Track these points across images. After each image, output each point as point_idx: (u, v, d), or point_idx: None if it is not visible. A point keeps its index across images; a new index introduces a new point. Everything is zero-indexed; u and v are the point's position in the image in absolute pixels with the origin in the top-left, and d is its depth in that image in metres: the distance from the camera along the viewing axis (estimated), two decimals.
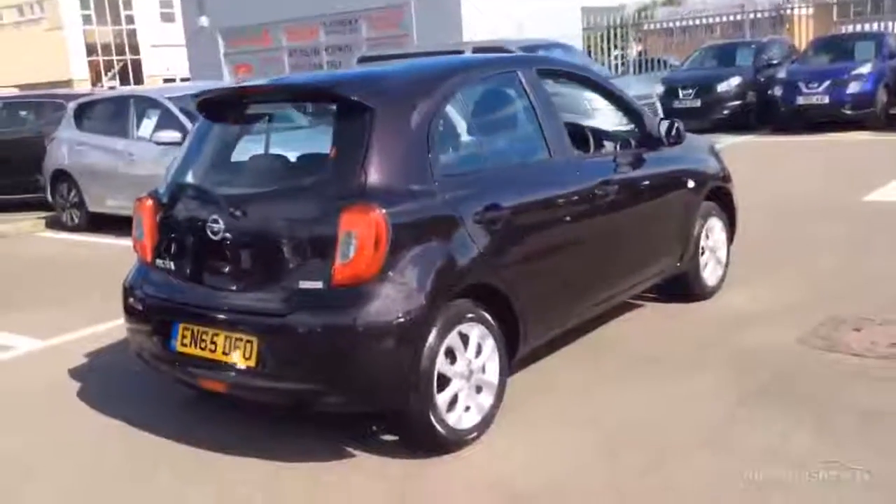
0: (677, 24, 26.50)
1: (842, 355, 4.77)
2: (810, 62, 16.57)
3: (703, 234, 5.80)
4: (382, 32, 18.55)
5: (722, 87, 16.64)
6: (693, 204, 5.67)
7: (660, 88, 17.01)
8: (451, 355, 3.89)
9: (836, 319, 5.30)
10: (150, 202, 4.40)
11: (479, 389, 4.06)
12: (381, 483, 3.77)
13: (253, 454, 4.06)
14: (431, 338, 3.74)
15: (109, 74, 49.74)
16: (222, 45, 21.86)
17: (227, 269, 4.00)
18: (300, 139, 4.35)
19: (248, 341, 3.80)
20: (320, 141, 4.04)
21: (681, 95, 16.75)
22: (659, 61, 22.45)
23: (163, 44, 47.85)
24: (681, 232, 5.59)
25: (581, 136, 5.37)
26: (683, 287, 5.85)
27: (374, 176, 3.75)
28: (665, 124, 5.37)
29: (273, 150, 4.32)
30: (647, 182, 5.25)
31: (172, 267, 4.23)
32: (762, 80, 16.62)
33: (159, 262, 4.30)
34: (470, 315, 3.95)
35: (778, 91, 15.66)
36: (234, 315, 3.88)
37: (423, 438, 3.88)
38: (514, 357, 4.28)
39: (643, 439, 3.99)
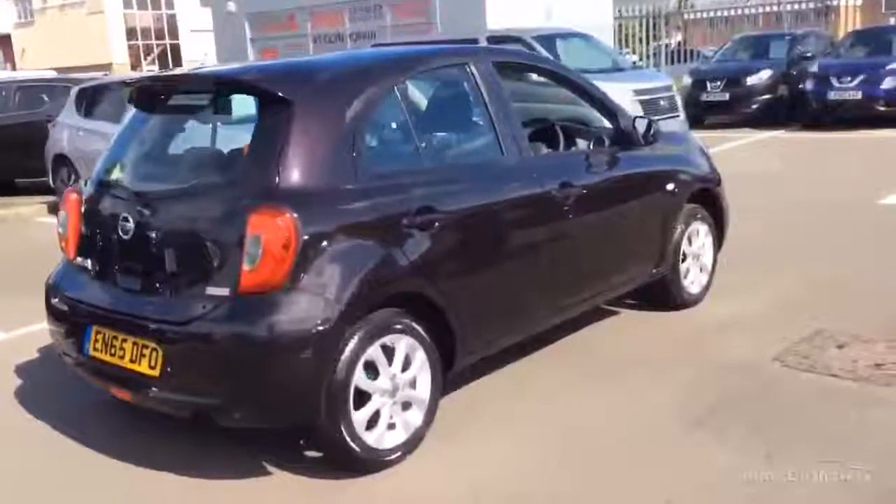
0: (719, 13, 25.78)
1: (816, 375, 4.41)
2: (845, 55, 15.94)
3: (684, 240, 5.44)
4: (407, 20, 18.26)
5: (752, 80, 16.07)
6: (672, 207, 5.32)
7: (687, 80, 16.56)
8: (373, 369, 3.61)
9: (822, 335, 4.93)
10: (74, 196, 4.18)
11: (406, 406, 3.78)
12: (304, 499, 3.55)
13: (178, 468, 3.83)
14: (348, 351, 3.47)
15: (149, 59, 50.05)
16: (249, 31, 21.72)
17: (137, 271, 3.76)
18: (226, 134, 4.08)
19: (154, 349, 3.56)
20: (243, 137, 3.77)
21: (709, 88, 16.24)
22: (695, 52, 21.88)
23: (202, 29, 48.00)
24: (656, 237, 5.24)
25: (550, 134, 5.05)
26: (663, 294, 5.51)
27: (288, 175, 3.47)
28: (642, 123, 5.02)
29: (196, 145, 4.06)
30: (616, 184, 4.90)
31: (89, 266, 4.00)
32: (795, 73, 16.00)
33: (79, 259, 4.08)
34: (397, 326, 3.66)
35: (809, 85, 15.06)
36: (141, 321, 3.64)
37: (339, 457, 3.61)
38: (450, 371, 3.99)
39: (589, 453, 3.74)
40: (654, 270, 5.28)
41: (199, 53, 47.04)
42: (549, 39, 12.39)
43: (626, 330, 5.32)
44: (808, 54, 16.43)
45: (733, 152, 13.24)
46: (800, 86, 15.52)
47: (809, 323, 5.10)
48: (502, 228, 4.16)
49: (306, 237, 3.38)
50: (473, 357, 4.12)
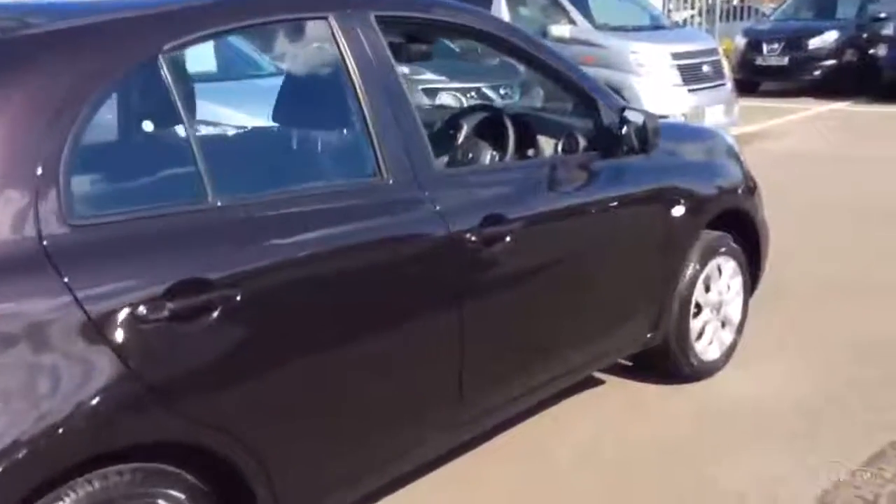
0: None
1: None
2: None
3: (698, 285, 3.73)
4: None
5: (815, 43, 14.07)
6: (681, 240, 3.61)
7: (740, 41, 14.57)
8: None
9: None
10: None
11: None
12: None
13: None
14: None
15: None
16: None
17: None
18: None
19: None
20: None
21: (765, 51, 14.24)
22: (752, 10, 19.68)
23: None
24: (652, 287, 3.54)
25: (490, 133, 3.35)
26: (662, 362, 3.81)
27: None
28: (634, 118, 3.26)
29: None
30: (585, 213, 3.19)
31: None
32: (865, 36, 14.00)
33: None
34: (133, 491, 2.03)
35: (882, 51, 13.23)
36: None
37: None
38: None
39: None
40: (648, 335, 3.58)
41: None
42: None
43: (600, 414, 3.64)
44: (882, 15, 14.27)
45: (789, 127, 11.39)
46: (870, 51, 13.65)
47: (882, 430, 3.39)
48: (361, 310, 2.45)
49: None
50: None
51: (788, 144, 10.12)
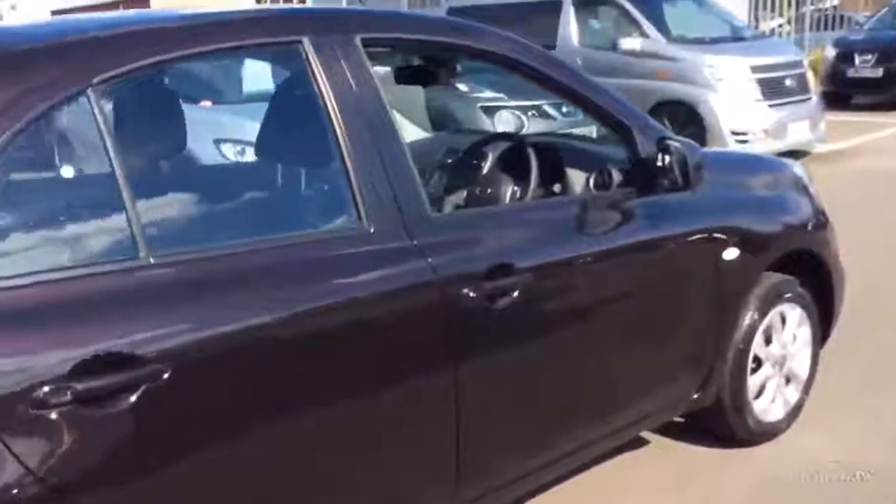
0: None
1: None
2: None
3: (757, 337, 3.26)
4: None
5: None
6: (736, 287, 3.14)
7: (831, 52, 13.77)
8: None
9: None
10: None
11: None
12: None
13: None
14: None
15: None
16: None
17: None
18: None
19: None
20: None
21: (857, 62, 13.38)
22: (845, 18, 18.73)
23: None
24: (702, 340, 3.08)
25: (517, 165, 2.96)
26: (718, 421, 3.35)
27: None
28: (677, 150, 2.81)
29: None
30: (615, 260, 2.75)
31: None
32: None
33: None
34: None
35: None
36: None
37: None
38: None
39: None
40: (695, 396, 3.13)
41: None
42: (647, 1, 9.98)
43: (640, 483, 3.19)
44: None
45: (883, 143, 10.61)
46: None
47: None
48: (328, 388, 2.06)
49: None
50: None
51: (882, 163, 9.39)
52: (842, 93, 13.10)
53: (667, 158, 2.79)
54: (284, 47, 2.24)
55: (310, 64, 2.18)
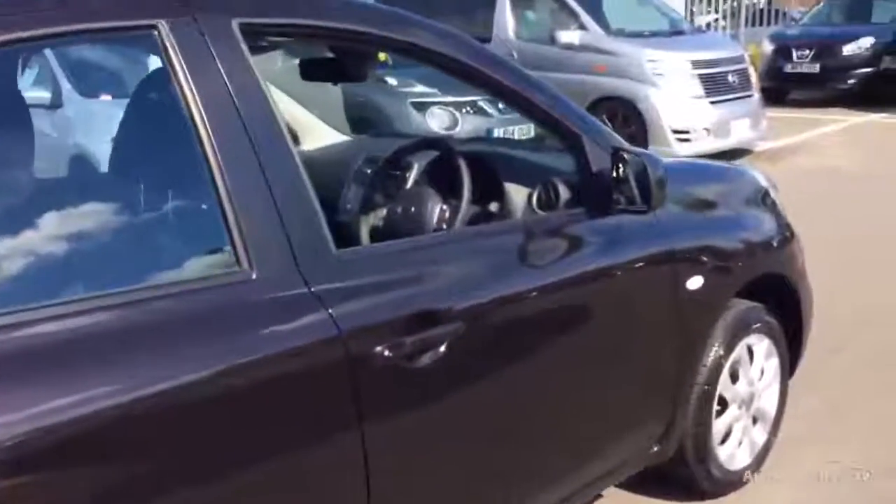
0: None
1: None
2: None
3: (722, 376, 2.82)
4: None
5: (849, 50, 13.07)
6: (697, 318, 2.69)
7: (768, 47, 13.62)
8: None
9: None
10: None
11: None
12: None
13: None
14: None
15: None
16: None
17: None
18: None
19: None
20: None
21: (795, 57, 13.25)
22: (780, 13, 18.68)
23: None
24: (658, 385, 2.63)
25: (446, 180, 2.47)
26: (676, 474, 2.91)
27: None
28: (633, 163, 2.34)
29: None
30: (557, 298, 2.26)
31: None
32: None
33: None
34: None
35: None
36: None
37: None
38: None
39: None
40: (655, 449, 2.68)
41: None
42: None
43: None
44: None
45: (822, 140, 10.42)
46: None
47: None
48: (190, 474, 1.57)
49: None
50: None
51: (823, 160, 9.16)
52: (779, 89, 12.94)
53: (624, 172, 2.32)
54: (132, 34, 1.70)
55: (168, 57, 1.65)
